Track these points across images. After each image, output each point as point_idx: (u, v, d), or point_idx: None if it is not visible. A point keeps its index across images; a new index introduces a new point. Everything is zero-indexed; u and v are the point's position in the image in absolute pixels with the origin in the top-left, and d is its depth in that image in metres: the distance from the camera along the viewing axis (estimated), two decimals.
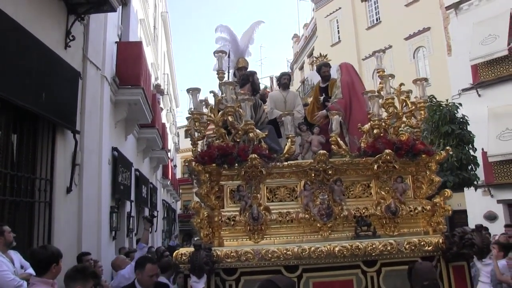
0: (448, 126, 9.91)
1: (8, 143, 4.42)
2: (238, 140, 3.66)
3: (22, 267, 3.71)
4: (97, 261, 5.18)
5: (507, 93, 12.53)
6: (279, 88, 5.58)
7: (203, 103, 3.94)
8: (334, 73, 5.08)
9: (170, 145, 19.20)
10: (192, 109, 3.80)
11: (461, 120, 10.27)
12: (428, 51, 16.06)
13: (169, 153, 16.74)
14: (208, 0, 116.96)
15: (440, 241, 3.20)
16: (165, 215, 19.14)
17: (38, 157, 4.92)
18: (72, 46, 5.59)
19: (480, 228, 3.11)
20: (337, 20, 20.63)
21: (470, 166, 10.00)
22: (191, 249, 3.02)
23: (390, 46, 16.44)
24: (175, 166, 22.90)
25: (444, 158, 3.79)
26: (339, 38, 20.41)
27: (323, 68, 5.16)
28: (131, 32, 9.84)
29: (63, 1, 5.37)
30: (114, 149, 7.80)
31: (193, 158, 3.58)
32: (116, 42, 8.15)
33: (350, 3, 19.74)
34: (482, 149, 12.32)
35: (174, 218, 23.84)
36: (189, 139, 3.93)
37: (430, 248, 3.20)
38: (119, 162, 7.98)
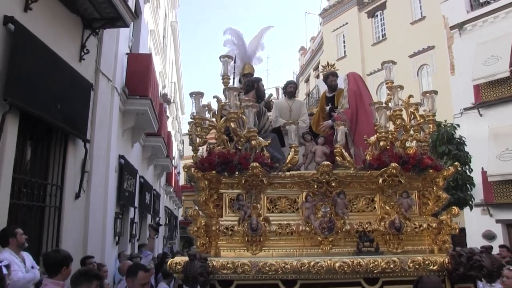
0: (445, 146, 9.93)
1: (24, 150, 4.59)
2: (240, 147, 3.54)
3: (32, 267, 3.83)
4: (102, 265, 5.24)
5: (508, 114, 12.63)
6: (284, 97, 5.46)
7: (206, 108, 3.83)
8: (341, 84, 4.97)
9: (175, 152, 19.31)
10: (194, 113, 3.66)
11: (458, 140, 10.30)
12: (431, 69, 16.22)
13: (173, 161, 16.84)
14: (217, 10, 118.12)
15: (446, 260, 3.03)
16: (167, 222, 19.16)
17: (51, 164, 5.10)
18: (86, 58, 5.79)
19: (489, 249, 2.94)
20: (343, 35, 20.86)
21: (466, 186, 9.94)
22: (186, 258, 2.90)
23: (395, 63, 16.55)
24: (178, 173, 22.91)
25: (452, 174, 3.60)
26: (345, 53, 20.61)
27: (330, 78, 5.03)
28: (141, 43, 10.03)
29: (79, 17, 5.58)
30: (121, 156, 7.95)
31: (193, 164, 3.45)
32: (126, 54, 8.33)
33: (357, 19, 20.00)
34: (482, 169, 12.41)
35: (176, 225, 23.83)
36: None
37: (435, 267, 3.02)
38: (125, 169, 8.11)
